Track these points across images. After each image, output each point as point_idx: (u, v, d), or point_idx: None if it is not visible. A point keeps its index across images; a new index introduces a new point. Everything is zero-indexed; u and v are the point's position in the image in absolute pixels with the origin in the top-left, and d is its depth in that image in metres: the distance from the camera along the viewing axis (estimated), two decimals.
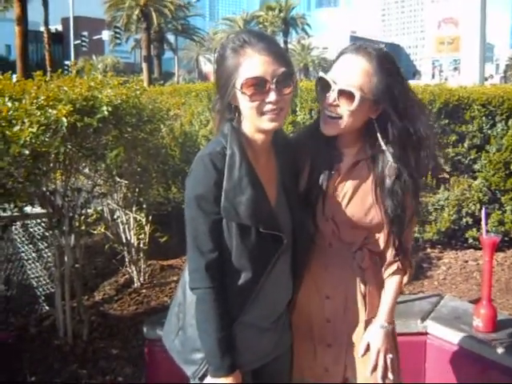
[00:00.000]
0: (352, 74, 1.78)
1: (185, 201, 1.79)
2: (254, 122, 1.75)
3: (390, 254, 1.96)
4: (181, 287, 1.96)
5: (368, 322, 1.99)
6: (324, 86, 1.83)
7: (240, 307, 1.81)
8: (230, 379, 1.76)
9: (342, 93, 1.77)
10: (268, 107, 1.70)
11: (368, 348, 1.95)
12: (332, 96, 1.79)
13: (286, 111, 1.77)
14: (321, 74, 1.87)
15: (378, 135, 1.85)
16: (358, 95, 1.76)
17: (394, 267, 1.96)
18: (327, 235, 1.96)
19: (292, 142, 2.01)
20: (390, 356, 1.95)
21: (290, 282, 1.96)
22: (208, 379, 1.81)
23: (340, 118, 1.80)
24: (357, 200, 1.92)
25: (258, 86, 1.68)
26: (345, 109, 1.78)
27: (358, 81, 1.77)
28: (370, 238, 1.98)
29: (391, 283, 1.98)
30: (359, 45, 1.86)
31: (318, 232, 1.96)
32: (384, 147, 1.85)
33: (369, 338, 1.96)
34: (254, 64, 1.67)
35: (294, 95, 1.85)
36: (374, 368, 1.94)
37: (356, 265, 1.97)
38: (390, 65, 1.83)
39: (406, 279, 2.00)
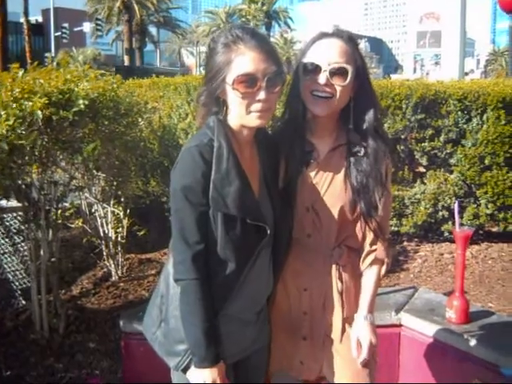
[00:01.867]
0: (338, 53, 1.87)
1: (170, 193, 1.80)
2: (241, 118, 1.78)
3: (367, 244, 2.00)
4: (163, 279, 1.97)
5: (346, 321, 2.01)
6: (311, 69, 1.88)
7: (224, 299, 1.83)
8: (214, 370, 1.78)
9: (335, 72, 1.85)
10: (257, 105, 1.73)
11: (360, 344, 1.97)
12: (323, 76, 1.85)
13: (272, 110, 1.81)
14: (307, 58, 1.91)
15: (351, 116, 1.94)
16: (350, 69, 1.86)
17: (372, 257, 1.99)
18: (307, 225, 1.98)
19: (271, 138, 2.05)
20: (373, 348, 1.99)
21: (270, 274, 1.98)
22: (192, 370, 1.83)
23: (331, 96, 1.87)
24: (335, 186, 1.95)
25: (250, 83, 1.71)
26: (338, 86, 1.86)
27: (344, 58, 1.87)
28: (349, 234, 2.00)
29: (370, 274, 2.01)
30: (332, 30, 1.95)
31: (298, 223, 1.98)
32: (351, 126, 1.95)
33: (357, 333, 1.98)
34: (246, 61, 1.70)
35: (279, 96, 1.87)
36: (363, 363, 1.97)
37: (334, 262, 2.00)
38: (358, 46, 1.97)
39: (383, 270, 2.02)
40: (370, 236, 1.98)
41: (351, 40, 1.93)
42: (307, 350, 2.05)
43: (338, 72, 1.85)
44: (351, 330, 2.00)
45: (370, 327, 1.98)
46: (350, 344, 1.99)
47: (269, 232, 1.83)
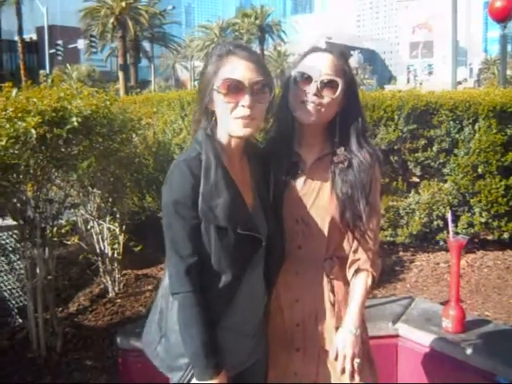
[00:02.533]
0: (329, 67, 1.92)
1: (162, 207, 1.82)
2: (227, 127, 1.80)
3: (351, 252, 2.00)
4: (162, 295, 1.97)
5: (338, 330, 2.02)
6: (302, 80, 1.92)
7: (221, 311, 1.83)
8: (216, 380, 1.77)
9: (325, 83, 1.89)
10: (241, 112, 1.74)
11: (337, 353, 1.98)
12: (314, 86, 1.89)
13: (259, 121, 1.82)
14: (299, 69, 1.96)
15: (337, 130, 1.97)
16: (340, 83, 1.90)
17: (355, 266, 1.99)
18: (297, 237, 1.99)
19: (261, 150, 2.07)
20: (357, 361, 1.97)
21: (263, 287, 1.98)
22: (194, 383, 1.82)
23: (321, 107, 1.90)
24: (323, 197, 1.97)
25: (234, 87, 1.74)
26: (327, 98, 1.90)
27: (335, 72, 1.92)
28: (340, 245, 2.01)
29: (357, 286, 2.00)
30: (325, 47, 2.02)
31: (288, 235, 1.99)
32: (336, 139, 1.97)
33: (337, 343, 1.99)
34: (233, 67, 1.76)
35: (270, 110, 1.89)
36: (342, 372, 1.97)
37: (325, 274, 2.01)
38: (348, 63, 2.01)
39: (370, 281, 2.01)
40: (354, 245, 1.99)
41: (342, 56, 1.98)
42: (301, 361, 2.05)
43: (329, 84, 1.89)
44: (334, 338, 1.99)
45: (353, 342, 1.94)
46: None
47: (264, 243, 1.85)
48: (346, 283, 2.04)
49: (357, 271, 1.99)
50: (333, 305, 2.01)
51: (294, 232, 1.99)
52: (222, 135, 1.84)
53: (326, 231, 1.97)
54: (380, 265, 2.04)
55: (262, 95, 1.78)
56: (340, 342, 1.96)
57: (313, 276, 2.01)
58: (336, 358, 1.96)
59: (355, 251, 1.99)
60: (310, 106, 1.90)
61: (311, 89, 1.89)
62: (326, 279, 2.01)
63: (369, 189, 1.95)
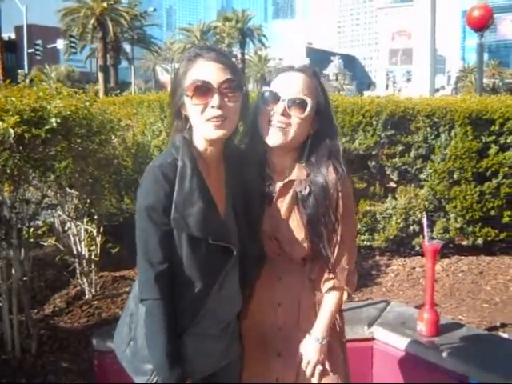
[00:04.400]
0: (299, 86, 1.88)
1: (136, 211, 1.80)
2: (201, 131, 1.78)
3: (327, 272, 1.99)
4: (133, 297, 1.97)
5: None
6: (270, 99, 1.89)
7: (191, 318, 1.83)
8: None
9: (293, 102, 1.85)
10: (211, 113, 1.73)
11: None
12: (281, 106, 1.85)
13: (232, 121, 1.79)
14: (265, 88, 1.93)
15: (307, 150, 1.93)
16: (309, 102, 1.86)
17: (330, 284, 1.98)
18: (275, 247, 2.00)
19: (240, 155, 2.01)
20: (319, 367, 2.00)
21: (239, 293, 1.99)
22: None
23: (288, 128, 1.86)
24: (293, 220, 1.96)
25: (202, 89, 1.73)
26: (296, 118, 1.85)
27: (305, 92, 1.87)
28: (319, 252, 2.01)
29: (329, 299, 2.00)
30: (298, 65, 1.97)
31: (266, 245, 2.00)
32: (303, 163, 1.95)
33: (302, 349, 2.00)
34: (200, 69, 1.75)
35: (245, 110, 1.86)
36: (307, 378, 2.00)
37: (306, 276, 2.02)
38: (322, 83, 1.97)
39: (345, 296, 2.02)
40: (329, 264, 1.97)
41: (315, 75, 1.95)
42: (282, 365, 2.05)
43: (297, 103, 1.85)
44: (301, 343, 2.02)
45: (318, 350, 1.98)
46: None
47: (235, 253, 1.84)
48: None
49: (331, 289, 2.00)
50: (314, 306, 2.02)
51: (270, 246, 2.00)
52: (199, 140, 1.83)
53: (300, 247, 1.97)
54: (355, 282, 2.04)
55: (232, 94, 1.76)
56: (306, 348, 2.00)
57: (294, 279, 2.02)
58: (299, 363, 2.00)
59: (330, 270, 1.97)
60: (277, 127, 1.86)
61: (278, 108, 1.85)
62: (307, 281, 2.02)
63: (336, 210, 1.91)
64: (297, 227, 1.95)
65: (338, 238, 1.93)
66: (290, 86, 1.88)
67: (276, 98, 1.87)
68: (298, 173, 1.94)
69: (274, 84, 1.93)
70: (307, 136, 1.93)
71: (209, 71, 1.74)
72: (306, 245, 1.96)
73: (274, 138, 1.88)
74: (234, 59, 1.92)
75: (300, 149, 1.95)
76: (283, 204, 1.96)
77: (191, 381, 1.82)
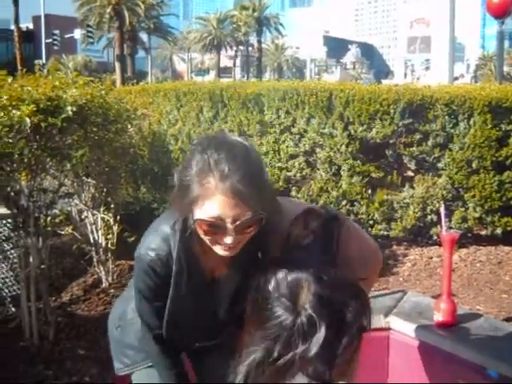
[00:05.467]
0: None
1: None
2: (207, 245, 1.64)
3: None
4: (123, 300, 2.09)
5: None
6: None
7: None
8: None
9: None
10: (223, 245, 1.57)
11: None
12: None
13: (244, 242, 1.61)
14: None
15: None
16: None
17: None
18: None
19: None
20: None
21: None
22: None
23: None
24: None
25: (214, 227, 1.53)
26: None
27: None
28: None
29: None
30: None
31: None
32: None
33: None
34: (213, 205, 1.48)
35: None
36: None
37: None
38: None
39: None
40: None
41: None
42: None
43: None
44: None
45: None
46: None
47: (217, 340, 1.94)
48: None
49: None
50: None
51: None
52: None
53: None
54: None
55: (247, 229, 1.55)
56: None
57: None
58: None
59: None
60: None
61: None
62: None
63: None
64: None
65: None
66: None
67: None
68: None
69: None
70: None
71: (223, 208, 1.48)
72: None
73: None
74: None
75: None
76: None
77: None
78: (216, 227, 1.51)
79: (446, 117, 4.98)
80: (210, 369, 2.08)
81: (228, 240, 1.52)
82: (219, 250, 1.59)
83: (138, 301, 1.81)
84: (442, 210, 3.19)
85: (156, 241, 1.69)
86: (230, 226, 1.49)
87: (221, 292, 1.84)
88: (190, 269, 1.70)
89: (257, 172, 1.54)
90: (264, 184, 1.56)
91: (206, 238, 1.57)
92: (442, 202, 4.92)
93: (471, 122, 4.96)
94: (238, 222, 1.49)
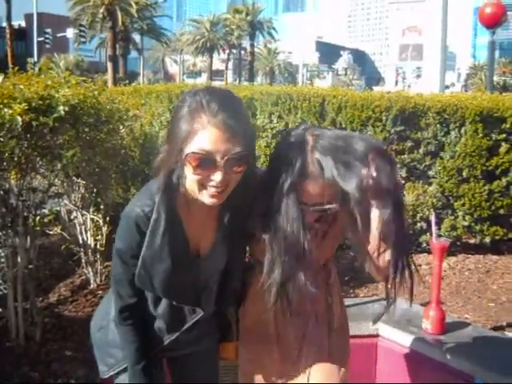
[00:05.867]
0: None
1: None
2: (193, 193, 1.64)
3: None
4: (106, 301, 2.05)
5: (334, 333, 2.01)
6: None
7: (159, 342, 1.89)
8: None
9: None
10: (211, 183, 1.58)
11: None
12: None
13: (230, 189, 1.64)
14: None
15: None
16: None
17: None
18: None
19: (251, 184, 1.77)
20: None
21: (213, 322, 2.00)
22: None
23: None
24: (328, 239, 1.92)
25: (205, 162, 1.54)
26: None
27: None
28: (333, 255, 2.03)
29: None
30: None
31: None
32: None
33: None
34: (206, 136, 1.52)
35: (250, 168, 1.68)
36: None
37: (322, 280, 1.99)
38: None
39: None
40: None
41: None
42: (298, 372, 2.01)
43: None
44: None
45: None
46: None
47: (200, 315, 1.85)
48: (338, 284, 2.07)
49: None
50: (330, 305, 2.00)
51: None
52: (187, 189, 1.67)
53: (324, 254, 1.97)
54: None
55: (236, 167, 1.58)
56: None
57: (310, 285, 1.97)
58: None
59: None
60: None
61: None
62: (323, 285, 1.99)
63: None
64: (329, 246, 1.95)
65: None
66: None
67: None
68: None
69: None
70: None
71: (215, 141, 1.52)
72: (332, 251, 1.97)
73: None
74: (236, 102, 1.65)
75: None
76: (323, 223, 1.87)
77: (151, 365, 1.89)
78: (207, 161, 1.54)
79: (438, 125, 5.01)
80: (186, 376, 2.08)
81: (217, 176, 1.54)
82: (206, 197, 1.60)
83: (114, 267, 1.80)
84: (433, 218, 3.19)
85: (142, 198, 1.73)
86: (219, 160, 1.53)
87: (208, 268, 1.83)
88: (166, 219, 1.68)
89: (244, 114, 1.63)
90: (249, 128, 1.64)
91: (195, 180, 1.58)
92: (431, 210, 4.95)
93: (462, 131, 5.00)
94: (227, 156, 1.53)
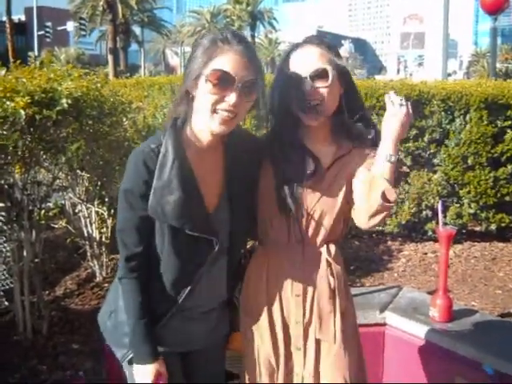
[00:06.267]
0: (315, 59, 1.87)
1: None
2: (205, 119, 1.71)
3: None
4: (114, 287, 2.01)
5: (338, 317, 1.97)
6: (293, 79, 1.86)
7: (171, 302, 1.85)
8: (151, 367, 1.82)
9: (315, 75, 1.83)
10: (223, 106, 1.67)
11: None
12: (307, 83, 1.83)
13: (239, 119, 1.75)
14: (286, 69, 1.89)
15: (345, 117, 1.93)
16: (330, 69, 1.84)
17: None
18: (297, 233, 1.94)
19: (251, 143, 1.96)
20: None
21: (224, 283, 1.97)
22: (134, 366, 1.87)
23: (320, 103, 1.84)
24: (331, 195, 1.91)
25: (224, 81, 1.65)
26: (322, 88, 1.83)
27: (322, 61, 1.86)
28: (338, 231, 1.98)
29: None
30: (309, 37, 1.95)
31: (289, 230, 1.94)
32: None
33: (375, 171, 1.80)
34: (227, 60, 1.66)
35: (259, 101, 1.81)
36: None
37: (324, 259, 1.96)
38: (340, 55, 1.95)
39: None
40: None
41: (331, 48, 1.92)
42: (302, 359, 1.99)
43: (319, 74, 1.83)
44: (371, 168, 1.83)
45: (391, 169, 1.78)
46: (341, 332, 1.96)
47: (217, 246, 1.81)
48: (343, 269, 2.01)
49: None
50: (333, 291, 1.97)
51: (296, 228, 1.93)
52: (197, 126, 1.77)
53: (329, 223, 1.93)
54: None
55: (249, 94, 1.70)
56: (376, 171, 1.78)
57: (312, 266, 1.96)
58: None
59: None
60: (310, 105, 1.83)
61: (305, 86, 1.83)
62: (325, 264, 1.97)
63: None
64: (332, 204, 1.92)
65: None
66: (307, 60, 1.87)
67: (298, 77, 1.84)
68: (337, 144, 1.94)
69: (290, 64, 1.90)
70: (339, 108, 1.91)
71: (235, 65, 1.66)
72: (337, 218, 1.93)
73: (310, 118, 1.86)
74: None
75: (334, 119, 1.94)
76: (326, 179, 1.92)
77: (165, 360, 1.86)
78: (225, 80, 1.65)
79: (443, 113, 4.98)
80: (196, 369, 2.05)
81: (232, 98, 1.65)
82: (217, 123, 1.68)
83: (120, 213, 1.79)
84: (439, 206, 3.17)
85: (150, 140, 1.79)
86: (237, 82, 1.65)
87: (216, 222, 1.83)
88: (174, 153, 1.71)
89: (258, 57, 1.78)
90: (262, 71, 1.77)
91: (210, 101, 1.66)
92: (437, 198, 4.93)
93: (467, 118, 4.97)
94: (245, 80, 1.66)
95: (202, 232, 1.77)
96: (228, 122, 1.69)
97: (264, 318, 2.01)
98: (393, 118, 1.77)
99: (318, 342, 1.98)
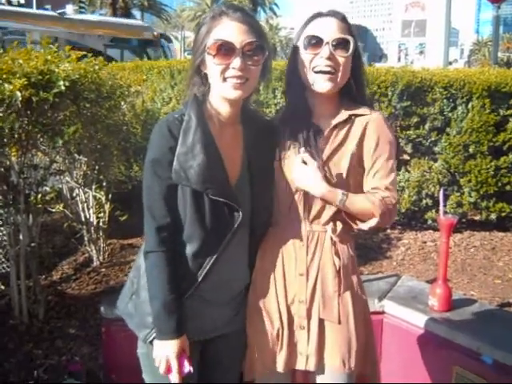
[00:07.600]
0: (336, 28, 1.90)
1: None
2: (218, 89, 1.78)
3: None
4: (140, 254, 1.98)
5: (343, 299, 1.95)
6: (313, 43, 1.88)
7: (193, 278, 1.82)
8: (174, 343, 1.79)
9: (338, 43, 1.87)
10: (231, 73, 1.72)
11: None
12: (327, 49, 1.85)
13: (251, 83, 1.79)
14: (305, 35, 1.92)
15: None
16: (352, 41, 1.89)
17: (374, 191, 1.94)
18: (301, 208, 1.93)
19: (267, 123, 2.05)
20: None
21: (245, 263, 1.96)
22: (155, 342, 1.84)
23: (334, 71, 1.87)
24: (335, 162, 1.92)
25: (225, 49, 1.71)
26: (341, 58, 1.87)
27: (343, 31, 1.90)
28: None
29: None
30: (332, 11, 1.98)
31: (293, 205, 1.93)
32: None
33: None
34: (224, 29, 1.73)
35: (267, 75, 1.88)
36: None
37: (329, 237, 1.94)
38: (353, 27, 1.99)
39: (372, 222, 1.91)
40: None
41: (345, 19, 1.96)
42: (306, 340, 1.96)
43: (341, 44, 1.87)
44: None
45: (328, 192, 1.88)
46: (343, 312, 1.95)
47: (241, 214, 1.80)
48: (350, 248, 1.99)
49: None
50: (338, 271, 1.94)
51: (299, 207, 1.94)
52: (215, 99, 1.83)
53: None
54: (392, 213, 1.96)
55: (254, 57, 1.75)
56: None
57: (316, 245, 1.95)
58: None
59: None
60: (324, 72, 1.86)
61: (324, 52, 1.85)
62: (330, 243, 1.94)
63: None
64: (337, 171, 1.92)
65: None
66: (330, 28, 1.89)
67: (319, 43, 1.87)
68: (343, 115, 1.94)
69: (309, 31, 1.92)
70: (348, 78, 1.94)
71: (233, 32, 1.72)
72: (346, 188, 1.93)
73: (323, 84, 1.88)
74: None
75: (341, 93, 1.97)
76: (329, 146, 1.93)
77: (188, 340, 1.84)
78: (226, 49, 1.71)
79: (445, 100, 4.93)
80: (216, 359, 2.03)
81: (236, 63, 1.70)
82: (230, 90, 1.74)
83: (146, 183, 1.81)
84: (441, 195, 3.15)
85: (174, 113, 1.87)
86: (238, 47, 1.70)
87: (239, 194, 1.84)
88: (197, 120, 1.77)
89: (261, 25, 1.84)
90: (266, 37, 1.82)
91: (218, 71, 1.73)
92: (437, 187, 4.90)
93: (469, 106, 4.92)
94: (244, 42, 1.71)
95: (226, 197, 1.78)
96: (240, 87, 1.75)
97: (268, 297, 2.00)
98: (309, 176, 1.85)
99: (321, 322, 1.96)
